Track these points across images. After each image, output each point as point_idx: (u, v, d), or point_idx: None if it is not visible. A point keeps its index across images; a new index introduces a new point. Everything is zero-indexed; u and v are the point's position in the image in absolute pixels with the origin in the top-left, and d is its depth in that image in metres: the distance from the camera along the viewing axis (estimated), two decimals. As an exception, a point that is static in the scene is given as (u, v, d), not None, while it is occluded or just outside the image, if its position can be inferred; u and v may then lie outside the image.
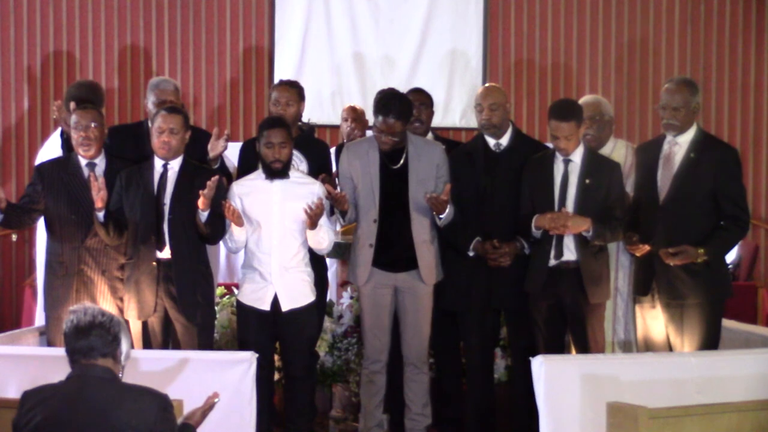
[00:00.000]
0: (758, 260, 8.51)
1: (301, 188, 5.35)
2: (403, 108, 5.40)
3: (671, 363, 5.01)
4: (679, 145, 5.35)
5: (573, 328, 5.39)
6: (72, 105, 5.70)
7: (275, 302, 5.31)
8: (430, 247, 5.50)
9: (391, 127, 5.36)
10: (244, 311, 5.40)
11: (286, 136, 5.31)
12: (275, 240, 5.31)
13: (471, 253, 5.50)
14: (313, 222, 5.21)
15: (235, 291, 5.60)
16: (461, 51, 8.78)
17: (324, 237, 5.33)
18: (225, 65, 8.76)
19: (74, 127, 5.42)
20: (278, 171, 5.31)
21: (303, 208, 5.20)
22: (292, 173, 5.39)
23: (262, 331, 5.33)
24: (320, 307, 5.79)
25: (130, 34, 8.70)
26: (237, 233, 5.31)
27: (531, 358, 4.86)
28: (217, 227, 5.31)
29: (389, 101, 5.37)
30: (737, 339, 5.56)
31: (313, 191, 5.34)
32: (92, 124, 5.40)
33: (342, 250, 5.96)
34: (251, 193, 5.35)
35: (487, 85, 5.96)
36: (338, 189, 5.47)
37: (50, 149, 6.14)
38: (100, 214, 5.22)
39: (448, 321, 5.72)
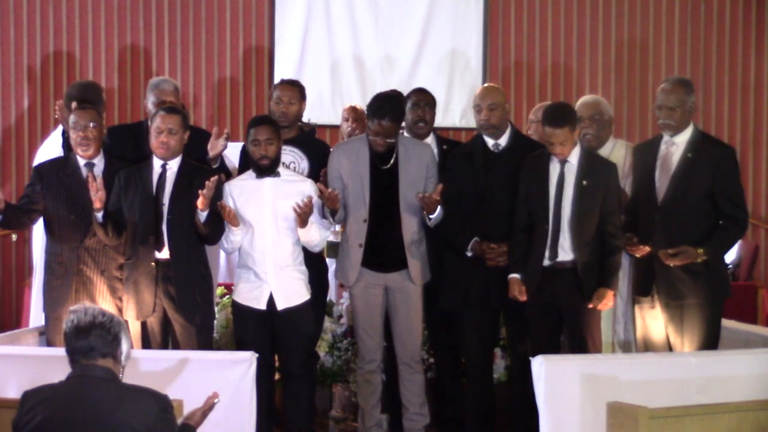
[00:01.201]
0: (758, 260, 8.50)
1: (292, 186, 5.35)
2: (396, 109, 5.43)
3: (671, 363, 5.01)
4: (676, 146, 5.35)
5: (569, 329, 5.38)
6: (73, 105, 5.70)
7: (271, 301, 5.32)
8: (419, 248, 5.51)
9: (385, 130, 5.38)
10: (240, 311, 5.41)
11: (272, 133, 5.31)
12: (269, 239, 5.31)
13: (469, 254, 5.50)
14: (302, 220, 5.21)
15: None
16: (461, 51, 8.77)
17: (315, 234, 5.34)
18: (225, 65, 8.75)
19: (73, 126, 5.42)
20: (266, 168, 5.31)
21: (292, 206, 5.20)
22: (282, 171, 5.40)
23: (259, 330, 5.33)
24: (320, 307, 5.80)
25: (130, 34, 8.69)
26: (233, 234, 5.31)
27: (531, 358, 4.87)
28: (216, 227, 5.31)
29: (382, 104, 5.40)
30: (737, 339, 5.56)
31: (304, 189, 5.34)
32: (90, 124, 5.40)
33: (338, 250, 5.95)
34: (243, 193, 5.36)
35: (485, 85, 5.96)
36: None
37: (50, 148, 6.14)
38: (99, 215, 5.22)
39: (447, 321, 5.72)
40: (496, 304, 5.58)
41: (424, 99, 5.90)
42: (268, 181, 5.34)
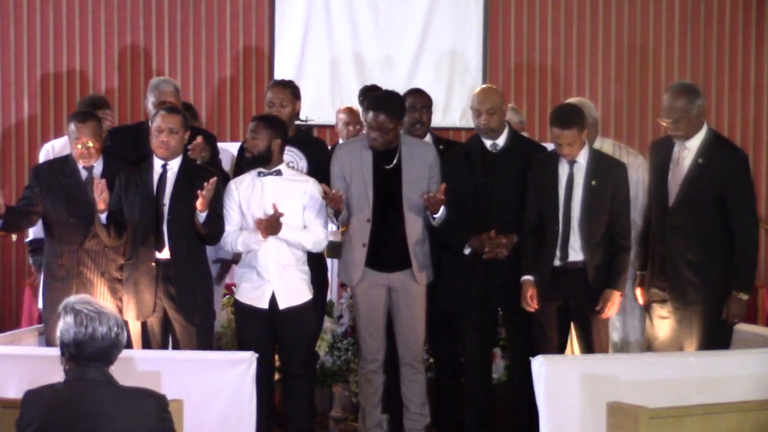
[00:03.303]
0: (758, 260, 8.48)
1: (294, 185, 5.36)
2: (395, 106, 5.42)
3: (671, 363, 5.02)
4: (688, 150, 5.30)
5: (578, 330, 5.39)
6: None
7: (273, 300, 5.32)
8: (423, 247, 5.50)
9: (380, 124, 5.36)
10: (242, 310, 5.41)
11: (260, 128, 5.32)
12: (271, 238, 5.30)
13: (467, 251, 5.49)
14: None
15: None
16: (461, 51, 8.77)
17: (307, 239, 5.33)
18: (225, 65, 8.75)
19: (75, 140, 5.41)
20: (248, 161, 5.34)
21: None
22: (285, 170, 5.39)
23: (261, 329, 5.34)
24: (320, 306, 5.80)
25: (130, 34, 8.69)
26: (254, 243, 5.28)
27: (531, 358, 4.87)
28: (215, 228, 5.31)
29: (381, 98, 5.42)
30: (737, 339, 5.54)
31: (306, 189, 5.34)
32: (90, 142, 5.40)
33: (342, 250, 5.95)
34: (246, 191, 5.36)
35: (483, 87, 5.87)
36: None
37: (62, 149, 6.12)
38: (102, 216, 5.22)
39: (446, 321, 5.71)
40: (496, 303, 5.58)
41: (420, 101, 5.88)
42: (269, 180, 5.35)
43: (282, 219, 5.25)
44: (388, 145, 5.45)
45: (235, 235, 5.35)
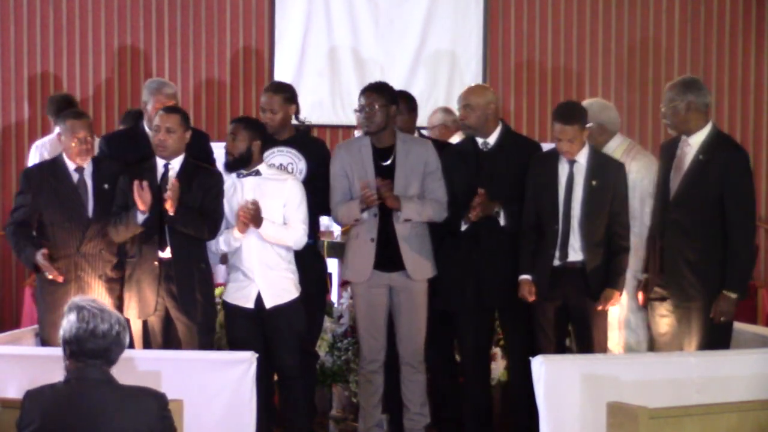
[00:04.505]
0: (758, 260, 8.48)
1: (273, 184, 5.36)
2: (385, 90, 5.45)
3: (671, 363, 5.01)
4: (690, 146, 5.31)
5: (577, 330, 5.39)
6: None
7: (259, 300, 5.33)
8: (416, 244, 5.47)
9: (370, 104, 5.38)
10: (230, 310, 5.43)
11: (237, 129, 5.33)
12: (253, 238, 5.30)
13: (464, 227, 5.46)
14: (243, 224, 5.21)
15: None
16: (461, 52, 8.77)
17: (287, 236, 5.32)
18: (225, 66, 8.75)
19: (72, 136, 5.40)
20: (229, 164, 5.36)
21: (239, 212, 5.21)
22: (264, 170, 5.39)
23: (250, 329, 5.35)
24: (320, 306, 5.79)
25: (130, 34, 8.69)
26: (234, 240, 5.29)
27: (531, 358, 4.87)
28: (195, 225, 5.27)
29: (373, 82, 5.50)
30: (737, 339, 5.54)
31: (285, 186, 5.35)
32: (89, 137, 5.44)
33: (342, 251, 5.95)
34: (227, 194, 5.39)
35: (472, 84, 5.92)
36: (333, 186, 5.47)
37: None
38: (142, 217, 5.20)
39: (443, 321, 5.71)
40: (491, 302, 5.57)
41: (406, 107, 5.90)
42: (249, 181, 5.35)
43: (263, 215, 5.25)
44: (381, 132, 5.44)
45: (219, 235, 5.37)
